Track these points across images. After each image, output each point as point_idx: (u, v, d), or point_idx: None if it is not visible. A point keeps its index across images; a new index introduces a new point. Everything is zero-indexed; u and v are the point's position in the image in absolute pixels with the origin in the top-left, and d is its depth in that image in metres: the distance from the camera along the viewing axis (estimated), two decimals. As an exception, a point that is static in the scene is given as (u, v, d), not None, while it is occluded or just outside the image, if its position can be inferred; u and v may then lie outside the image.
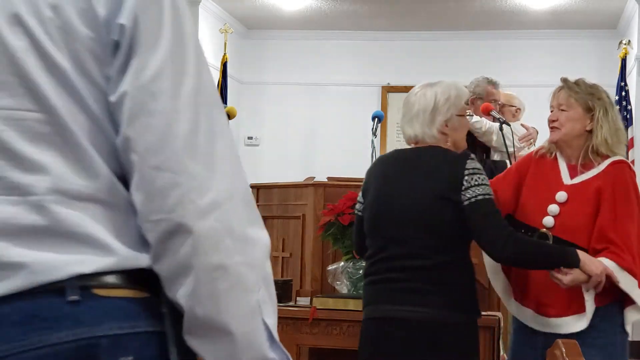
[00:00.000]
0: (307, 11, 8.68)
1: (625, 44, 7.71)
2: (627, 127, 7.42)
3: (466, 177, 2.84)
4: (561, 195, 3.11)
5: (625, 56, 7.71)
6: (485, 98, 5.52)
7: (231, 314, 1.10)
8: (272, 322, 1.14)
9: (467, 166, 2.86)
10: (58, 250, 1.07)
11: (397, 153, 3.14)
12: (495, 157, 5.28)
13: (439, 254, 2.86)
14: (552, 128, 3.18)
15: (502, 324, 3.80)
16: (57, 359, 1.05)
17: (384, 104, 9.10)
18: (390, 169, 3.03)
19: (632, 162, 6.97)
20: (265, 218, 4.99)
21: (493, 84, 5.61)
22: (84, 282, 1.07)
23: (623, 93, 7.56)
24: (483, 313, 3.08)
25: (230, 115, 5.04)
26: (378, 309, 2.93)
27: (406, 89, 9.85)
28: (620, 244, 3.00)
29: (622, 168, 3.11)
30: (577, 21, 8.58)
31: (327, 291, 4.35)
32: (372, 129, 4.98)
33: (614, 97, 7.56)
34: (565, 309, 3.04)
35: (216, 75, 8.21)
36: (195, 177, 1.08)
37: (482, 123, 5.09)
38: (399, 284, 2.88)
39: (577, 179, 3.12)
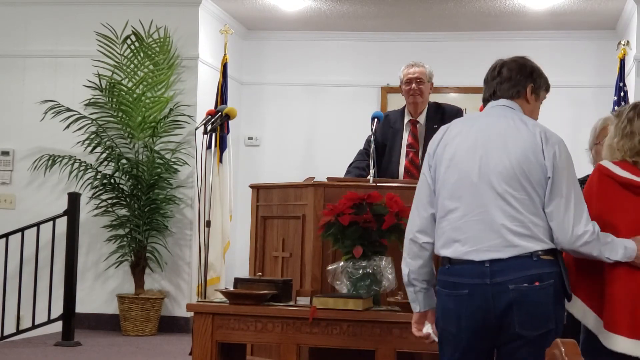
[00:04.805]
0: (307, 12, 8.70)
1: (624, 45, 7.72)
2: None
3: None
4: None
5: (624, 57, 7.71)
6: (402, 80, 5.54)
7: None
8: (621, 254, 2.99)
9: None
10: (528, 242, 2.87)
11: None
12: None
13: None
14: None
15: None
16: (529, 279, 2.85)
17: (384, 105, 9.11)
18: None
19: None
20: (265, 218, 4.99)
21: (408, 65, 5.61)
22: (538, 254, 2.88)
23: (622, 94, 7.56)
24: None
25: (230, 116, 5.05)
26: None
27: (406, 89, 9.64)
28: None
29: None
30: (576, 22, 8.59)
31: (327, 291, 4.37)
32: (372, 129, 5.00)
33: (612, 97, 7.61)
34: None
35: (216, 76, 8.23)
36: (580, 227, 2.91)
37: None
38: None
39: None
